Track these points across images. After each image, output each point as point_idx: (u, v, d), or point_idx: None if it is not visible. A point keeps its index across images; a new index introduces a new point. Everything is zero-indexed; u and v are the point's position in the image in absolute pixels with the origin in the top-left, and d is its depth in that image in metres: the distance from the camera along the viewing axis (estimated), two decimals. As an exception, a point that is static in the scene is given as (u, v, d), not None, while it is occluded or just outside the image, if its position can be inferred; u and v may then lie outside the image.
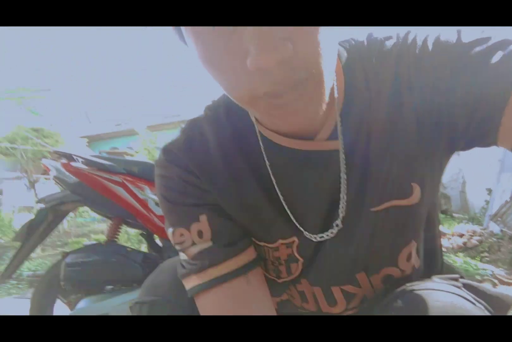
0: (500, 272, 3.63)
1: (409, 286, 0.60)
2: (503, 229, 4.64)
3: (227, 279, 0.62)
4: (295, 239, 0.66)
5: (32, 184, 7.30)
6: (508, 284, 3.25)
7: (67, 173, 1.76)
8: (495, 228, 4.89)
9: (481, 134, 0.53)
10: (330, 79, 0.49)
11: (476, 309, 0.54)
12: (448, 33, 0.54)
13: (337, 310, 0.69)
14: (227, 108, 0.67)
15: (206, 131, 0.66)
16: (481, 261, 4.07)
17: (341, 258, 0.65)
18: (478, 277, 3.30)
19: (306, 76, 0.45)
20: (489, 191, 5.56)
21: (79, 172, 1.73)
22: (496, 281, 3.20)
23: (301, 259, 0.67)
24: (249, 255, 0.65)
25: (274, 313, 0.65)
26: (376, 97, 0.58)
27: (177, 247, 0.66)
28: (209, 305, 0.63)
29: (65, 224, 5.62)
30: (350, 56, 0.60)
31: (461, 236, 4.62)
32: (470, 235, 4.61)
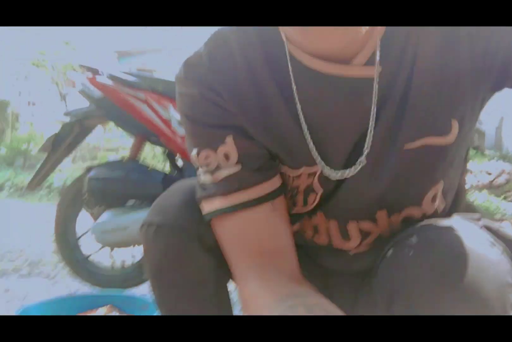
0: (522, 212, 3.60)
1: (427, 222, 0.58)
2: (534, 169, 4.52)
3: (254, 204, 0.60)
4: (318, 168, 0.63)
5: (63, 97, 7.38)
6: (528, 224, 3.24)
7: (93, 87, 1.75)
8: (526, 168, 4.77)
9: None
10: None
11: (492, 252, 0.53)
12: None
13: (349, 246, 0.68)
14: None
15: (232, 44, 0.61)
16: (504, 199, 4.02)
17: (364, 194, 0.63)
18: (498, 216, 3.29)
19: None
20: (527, 129, 5.34)
21: (104, 87, 1.72)
22: (516, 221, 3.19)
23: (320, 190, 0.65)
24: (276, 181, 0.63)
25: (292, 242, 0.64)
26: (427, 28, 0.53)
27: (202, 169, 0.63)
28: (232, 229, 0.62)
29: (95, 138, 5.77)
30: None
31: (490, 174, 4.53)
32: (499, 173, 4.52)
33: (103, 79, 1.75)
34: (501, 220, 3.15)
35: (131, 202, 1.72)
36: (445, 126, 0.57)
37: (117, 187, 1.65)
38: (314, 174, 0.64)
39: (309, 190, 0.65)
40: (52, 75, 7.87)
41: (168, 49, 8.03)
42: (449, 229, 0.55)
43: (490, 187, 4.34)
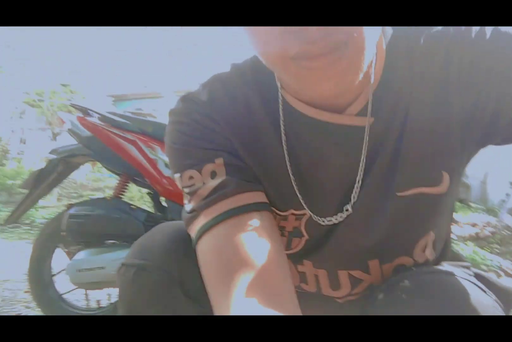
0: (507, 264, 3.58)
1: (419, 268, 0.59)
2: (519, 223, 4.56)
3: (238, 213, 0.54)
4: (306, 212, 0.62)
5: (55, 136, 7.44)
6: (514, 277, 3.22)
7: (81, 127, 1.77)
8: (510, 221, 4.80)
9: None
10: (371, 49, 0.46)
11: (486, 297, 0.53)
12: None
13: (338, 294, 0.66)
14: (254, 68, 0.62)
15: (231, 86, 0.62)
16: (490, 252, 4.01)
17: (355, 244, 0.62)
18: (484, 267, 3.27)
19: (346, 39, 0.42)
20: None
21: (93, 127, 1.74)
22: (501, 273, 3.17)
23: (306, 236, 0.64)
24: (264, 197, 0.60)
25: (283, 254, 0.57)
26: (420, 81, 0.54)
27: (186, 190, 0.59)
28: (212, 244, 0.54)
29: (82, 177, 5.75)
30: (395, 33, 0.56)
31: (474, 225, 4.55)
32: (484, 226, 4.54)
33: (92, 119, 1.77)
34: (487, 271, 3.13)
35: (109, 242, 1.69)
36: (437, 178, 0.58)
37: (98, 225, 1.62)
38: (302, 216, 0.63)
39: (295, 233, 0.64)
40: (47, 115, 7.99)
41: (167, 95, 8.21)
42: (442, 274, 0.55)
43: (476, 238, 4.35)
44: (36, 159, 6.46)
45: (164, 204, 1.88)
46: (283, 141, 0.60)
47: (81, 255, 1.61)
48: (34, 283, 1.81)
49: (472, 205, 5.78)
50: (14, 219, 1.91)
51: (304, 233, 0.64)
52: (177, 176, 0.60)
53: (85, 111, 1.83)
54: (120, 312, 0.64)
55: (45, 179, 1.80)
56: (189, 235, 0.60)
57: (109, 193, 5.03)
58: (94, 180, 6.02)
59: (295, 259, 0.67)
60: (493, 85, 0.51)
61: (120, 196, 1.83)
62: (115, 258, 1.57)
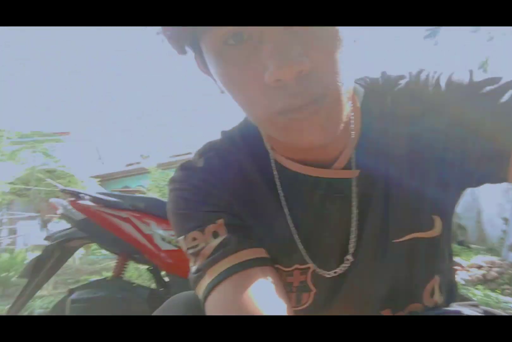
0: (522, 304, 3.49)
1: (431, 312, 0.60)
2: (523, 259, 4.51)
3: (241, 269, 0.56)
4: (311, 266, 0.64)
5: (44, 223, 7.36)
6: (531, 316, 3.11)
7: (74, 210, 1.78)
8: (514, 258, 4.75)
9: (491, 172, 0.55)
10: (347, 101, 0.50)
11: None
12: (460, 73, 0.57)
13: None
14: (243, 134, 0.67)
15: (225, 153, 0.66)
16: (502, 293, 3.92)
17: (363, 294, 0.63)
18: (500, 311, 3.17)
19: (324, 92, 0.46)
20: (506, 220, 5.44)
21: (86, 209, 1.75)
22: (518, 314, 3.07)
23: (314, 289, 0.65)
24: (265, 253, 0.61)
25: (290, 309, 0.55)
26: (394, 132, 0.59)
27: (190, 252, 0.61)
28: (218, 302, 0.55)
29: (76, 262, 5.60)
30: (366, 92, 0.62)
31: (480, 267, 4.48)
32: (489, 267, 4.48)
33: (84, 201, 1.79)
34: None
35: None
36: (429, 222, 0.61)
37: (101, 308, 1.57)
38: (307, 270, 0.64)
39: (303, 287, 0.65)
40: (34, 202, 7.97)
41: (152, 170, 8.30)
42: (455, 313, 0.57)
43: (484, 281, 4.26)
44: (28, 248, 6.33)
45: (165, 278, 1.84)
46: (282, 199, 0.63)
47: None
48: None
49: (472, 246, 5.75)
50: (15, 311, 1.84)
51: (312, 287, 0.64)
52: (181, 238, 0.62)
53: (76, 195, 1.85)
54: None
55: (43, 266, 1.77)
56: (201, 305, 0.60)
57: (106, 274, 4.90)
58: (89, 263, 5.86)
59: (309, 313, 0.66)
60: (454, 128, 0.55)
61: (120, 275, 1.80)
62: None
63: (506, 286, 4.11)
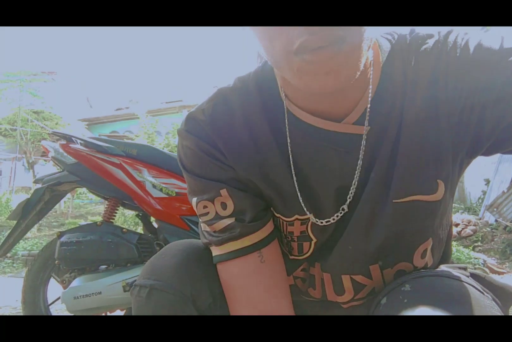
0: (491, 261, 3.67)
1: (418, 272, 0.61)
2: (498, 220, 4.68)
3: (240, 254, 0.64)
4: (310, 216, 0.65)
5: (30, 165, 7.31)
6: (499, 273, 3.29)
7: (66, 154, 1.77)
8: (490, 218, 4.92)
9: (505, 139, 0.55)
10: (367, 48, 0.49)
11: (483, 297, 0.55)
12: (490, 38, 0.55)
13: (343, 300, 0.69)
14: (258, 81, 0.66)
15: (233, 102, 0.66)
16: (473, 250, 4.10)
17: (356, 248, 0.65)
18: (469, 266, 3.34)
19: (343, 35, 0.45)
20: (487, 181, 5.57)
21: (78, 153, 1.74)
22: (487, 270, 3.24)
23: (314, 239, 0.67)
24: (265, 230, 0.66)
25: (286, 290, 0.67)
26: (412, 91, 0.58)
27: (202, 219, 0.67)
28: (225, 276, 0.66)
29: (62, 205, 5.64)
30: (391, 48, 0.60)
31: (457, 225, 4.65)
32: (465, 224, 4.65)
33: (76, 145, 1.77)
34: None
35: (103, 267, 1.69)
36: (432, 186, 0.61)
37: (91, 250, 1.60)
38: (307, 221, 0.66)
39: (304, 237, 0.68)
40: (21, 144, 7.85)
41: (142, 116, 8.14)
42: (440, 277, 0.58)
43: (459, 238, 4.44)
44: (13, 189, 6.33)
45: (154, 224, 1.88)
46: (289, 150, 0.63)
47: (76, 282, 1.59)
48: (30, 313, 1.78)
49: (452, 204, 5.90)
50: (3, 253, 1.87)
51: (312, 237, 0.67)
52: (194, 201, 0.68)
53: (68, 138, 1.83)
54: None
55: (33, 209, 1.78)
56: (198, 254, 0.68)
57: (91, 219, 4.95)
58: (74, 207, 5.91)
59: (310, 261, 0.70)
60: (477, 93, 0.54)
61: (110, 220, 1.83)
62: (110, 282, 1.56)
63: (478, 243, 4.30)
